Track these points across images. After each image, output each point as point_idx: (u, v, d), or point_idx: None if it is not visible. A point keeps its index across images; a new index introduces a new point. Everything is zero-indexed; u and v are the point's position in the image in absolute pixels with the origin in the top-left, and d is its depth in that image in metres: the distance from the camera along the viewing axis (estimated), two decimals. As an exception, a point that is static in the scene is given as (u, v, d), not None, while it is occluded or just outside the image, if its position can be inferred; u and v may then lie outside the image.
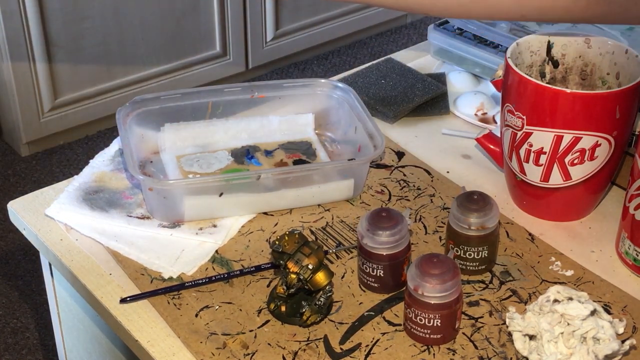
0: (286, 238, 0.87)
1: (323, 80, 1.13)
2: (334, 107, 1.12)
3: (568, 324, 0.81)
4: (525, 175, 0.99)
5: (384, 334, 0.86)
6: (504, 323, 0.87)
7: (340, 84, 1.12)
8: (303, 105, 1.14)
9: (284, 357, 0.84)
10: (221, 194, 0.99)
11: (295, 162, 1.09)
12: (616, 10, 0.84)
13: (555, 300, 0.83)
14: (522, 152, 0.97)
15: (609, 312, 0.88)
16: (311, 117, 1.14)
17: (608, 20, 0.87)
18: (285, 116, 1.14)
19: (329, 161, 1.09)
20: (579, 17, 0.87)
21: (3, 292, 2.08)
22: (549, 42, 1.02)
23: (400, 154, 1.12)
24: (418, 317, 0.83)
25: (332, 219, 1.01)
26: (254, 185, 0.99)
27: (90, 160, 1.09)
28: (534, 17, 0.88)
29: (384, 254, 0.88)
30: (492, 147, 1.07)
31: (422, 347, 0.85)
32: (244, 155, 1.10)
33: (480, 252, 0.92)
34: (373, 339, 0.86)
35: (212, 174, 1.06)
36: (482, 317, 0.88)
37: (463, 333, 0.86)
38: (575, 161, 0.95)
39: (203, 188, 0.98)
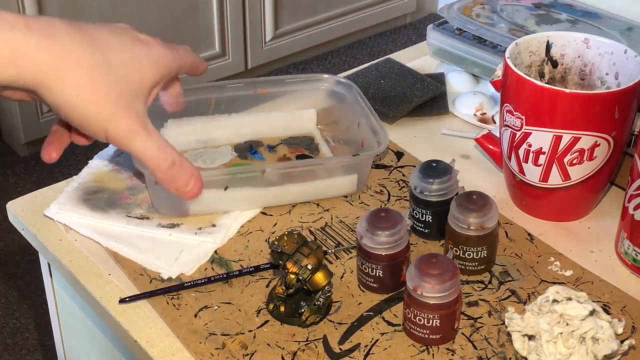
0: (285, 238, 0.87)
1: (326, 76, 1.13)
2: (337, 102, 1.12)
3: (567, 324, 0.81)
4: (524, 175, 0.99)
5: (383, 334, 0.86)
6: (503, 323, 0.87)
7: (343, 80, 1.12)
8: (306, 100, 1.14)
9: (283, 358, 0.84)
10: (226, 188, 0.99)
11: (298, 157, 1.09)
12: None
13: (555, 301, 0.83)
14: (521, 152, 0.97)
15: (608, 312, 0.88)
16: (314, 113, 1.14)
17: None
18: (288, 112, 1.14)
19: (333, 156, 1.09)
20: None
21: (2, 292, 2.07)
22: (548, 42, 1.02)
23: (399, 154, 1.12)
24: (417, 318, 0.83)
25: (331, 219, 1.01)
26: (258, 180, 0.99)
27: (90, 161, 1.09)
28: None
29: (383, 254, 0.88)
30: (491, 147, 1.07)
31: (421, 347, 0.85)
32: (247, 150, 1.10)
33: (480, 252, 0.92)
34: (372, 339, 0.86)
35: (216, 169, 1.06)
36: (481, 317, 0.88)
37: (462, 333, 0.86)
38: (574, 161, 0.95)
39: (208, 182, 0.98)
